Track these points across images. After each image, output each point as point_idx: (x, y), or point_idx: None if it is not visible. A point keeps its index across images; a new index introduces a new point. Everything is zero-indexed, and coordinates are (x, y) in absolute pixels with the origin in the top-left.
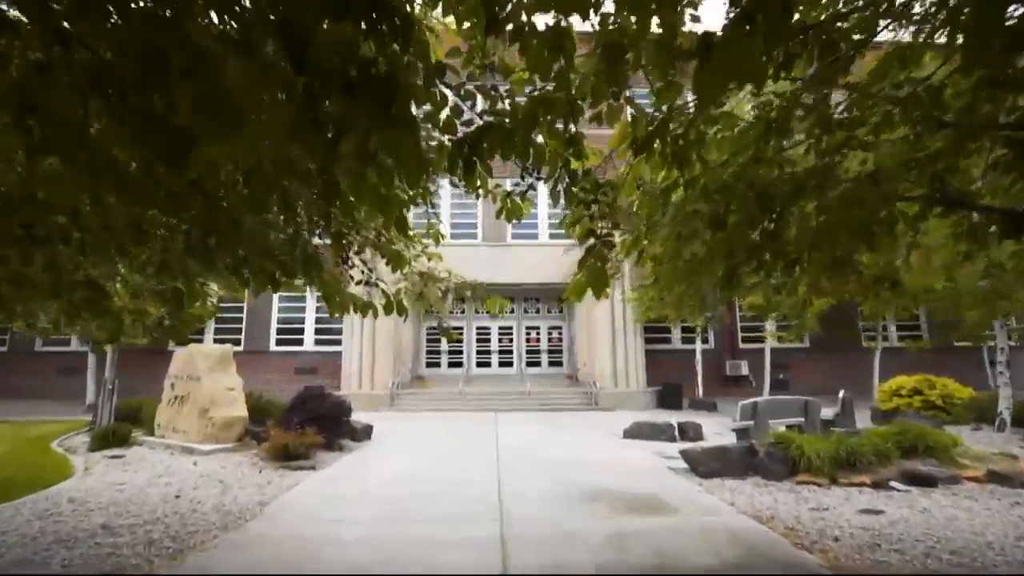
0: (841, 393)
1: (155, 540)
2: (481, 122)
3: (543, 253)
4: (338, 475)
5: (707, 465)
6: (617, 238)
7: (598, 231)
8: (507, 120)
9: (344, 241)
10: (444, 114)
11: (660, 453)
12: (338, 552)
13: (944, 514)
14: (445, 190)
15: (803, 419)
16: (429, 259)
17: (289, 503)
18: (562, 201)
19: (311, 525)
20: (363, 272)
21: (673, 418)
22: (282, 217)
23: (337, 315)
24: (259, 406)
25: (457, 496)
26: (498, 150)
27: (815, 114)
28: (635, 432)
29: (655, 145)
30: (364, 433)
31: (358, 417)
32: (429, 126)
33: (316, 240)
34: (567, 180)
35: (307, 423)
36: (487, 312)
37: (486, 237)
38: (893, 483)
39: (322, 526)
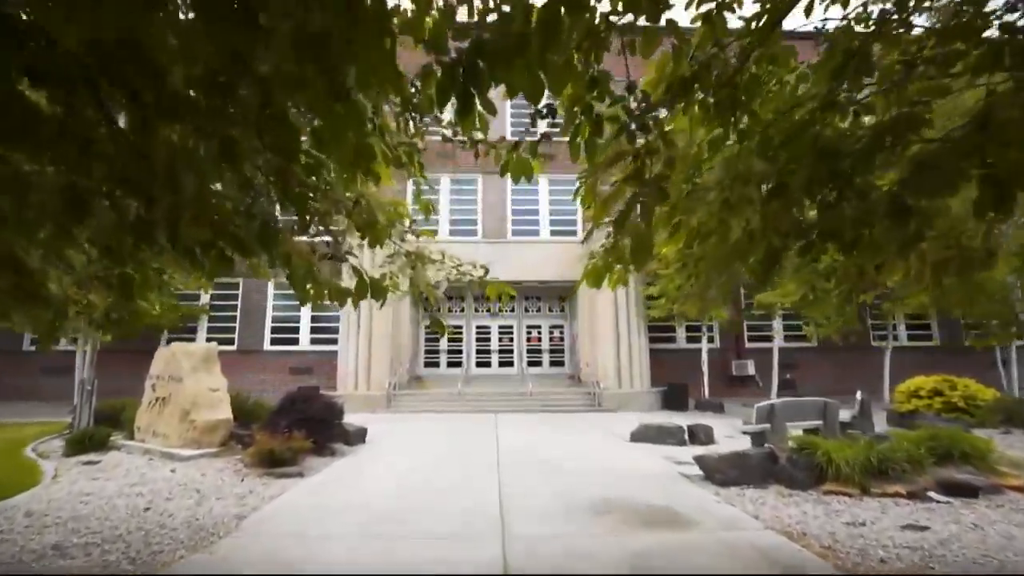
0: (858, 394)
1: (111, 563)
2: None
3: (544, 250)
4: (326, 484)
5: (724, 473)
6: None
7: (646, 170)
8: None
9: (308, 208)
10: (430, 20)
11: (670, 458)
12: None
13: (998, 531)
14: (444, 186)
15: (821, 422)
16: (418, 235)
17: (269, 516)
18: (583, 155)
19: (290, 543)
20: (329, 245)
21: (678, 419)
22: (230, 178)
23: (308, 305)
24: (246, 408)
25: (454, 508)
26: (502, 74)
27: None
28: (642, 435)
29: (696, 91)
30: (358, 436)
31: (353, 419)
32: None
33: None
34: (590, 127)
35: (295, 426)
36: (487, 299)
37: (486, 234)
38: (931, 493)
39: (302, 543)
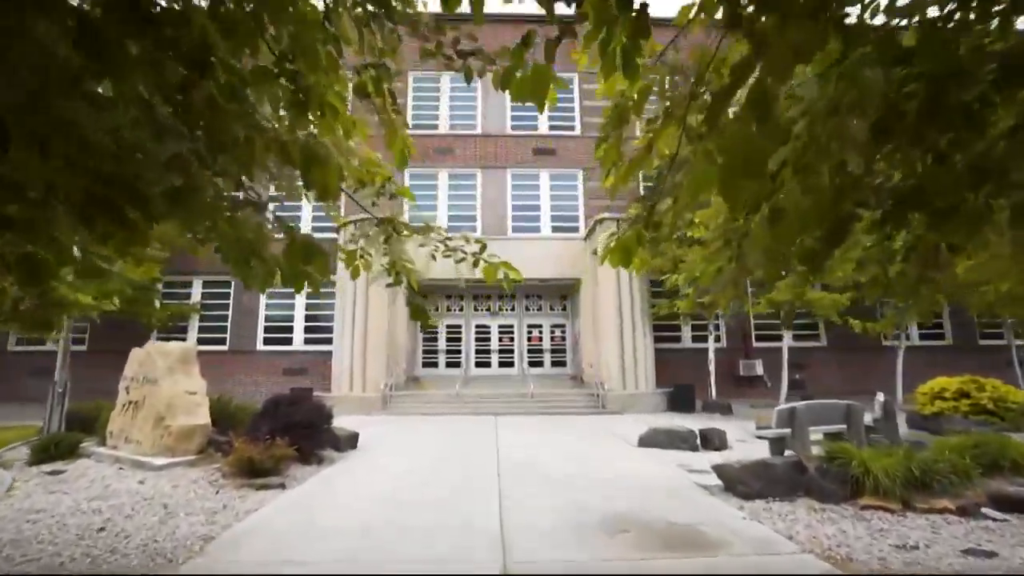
0: (879, 396)
1: None
2: None
3: (545, 247)
4: (308, 497)
5: (747, 484)
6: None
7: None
8: None
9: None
10: None
11: (684, 465)
12: None
13: None
14: (441, 181)
15: (845, 426)
16: (383, 189)
17: (239, 537)
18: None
19: (260, 571)
20: (245, 187)
21: (686, 422)
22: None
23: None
24: (228, 412)
25: (450, 525)
26: None
27: None
28: (651, 440)
29: None
30: (348, 442)
31: (347, 422)
32: None
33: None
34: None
35: (279, 432)
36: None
37: (485, 230)
38: (985, 510)
39: (273, 571)
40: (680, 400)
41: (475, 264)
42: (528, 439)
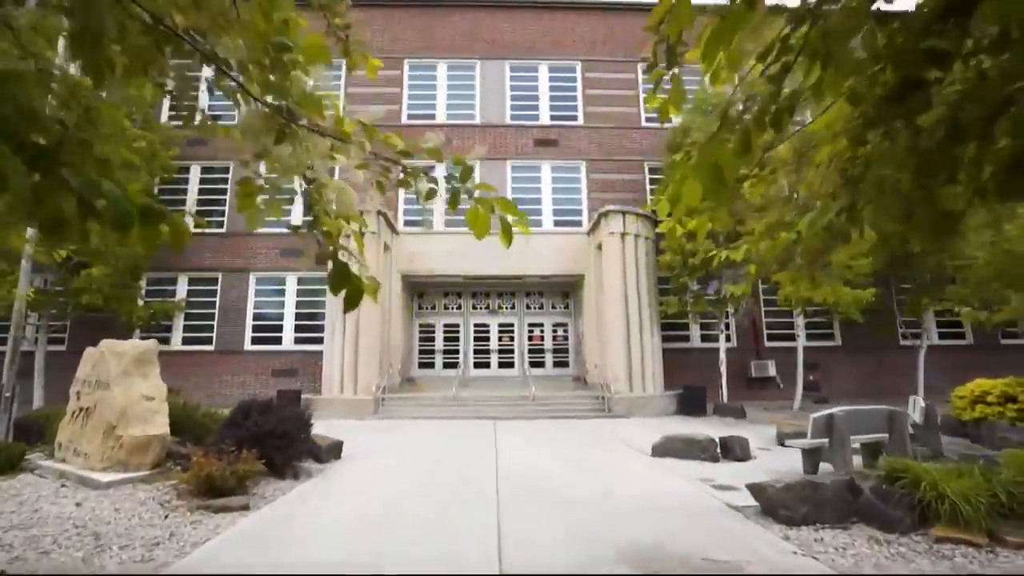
0: (919, 401)
1: None
2: None
3: (547, 242)
4: (272, 523)
5: (792, 508)
6: None
7: None
8: None
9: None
10: None
11: (706, 480)
12: None
13: None
14: (438, 172)
15: (887, 435)
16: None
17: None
18: None
19: None
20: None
21: (697, 427)
22: None
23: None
24: (194, 420)
25: (437, 563)
26: None
27: None
28: (667, 449)
29: None
30: (331, 452)
31: (337, 426)
32: None
33: None
34: None
35: (249, 443)
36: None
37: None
38: None
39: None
40: (690, 403)
41: (453, 203)
42: (530, 448)
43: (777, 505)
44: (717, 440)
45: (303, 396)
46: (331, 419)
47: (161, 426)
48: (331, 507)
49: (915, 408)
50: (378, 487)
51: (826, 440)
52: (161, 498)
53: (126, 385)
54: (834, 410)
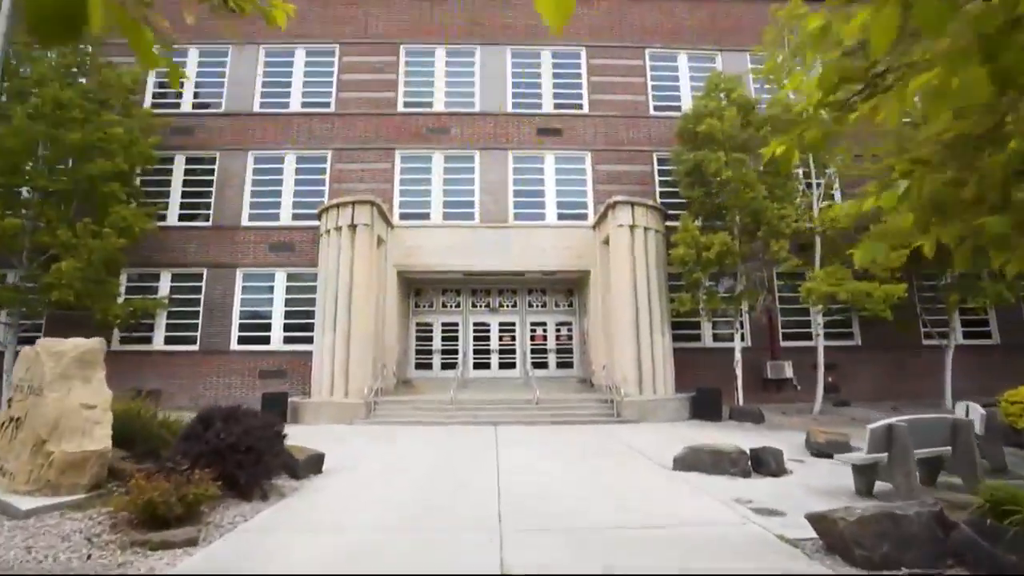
0: (976, 408)
1: None
2: None
3: (551, 236)
4: (224, 563)
5: (869, 546)
6: None
7: None
8: None
9: None
10: None
11: (744, 501)
12: None
13: None
14: (436, 163)
15: (949, 448)
16: None
17: None
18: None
19: None
20: None
21: (714, 433)
22: None
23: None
24: (150, 430)
25: None
26: None
27: None
28: (691, 462)
29: None
30: (310, 466)
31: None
32: None
33: None
34: None
35: (207, 459)
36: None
37: (484, 217)
38: None
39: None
40: (704, 406)
41: None
42: (536, 460)
43: (850, 543)
44: (748, 452)
45: (290, 399)
46: (319, 423)
47: (101, 440)
48: (297, 542)
49: (973, 416)
50: (359, 512)
51: (884, 455)
52: (91, 531)
53: (63, 391)
54: (893, 420)
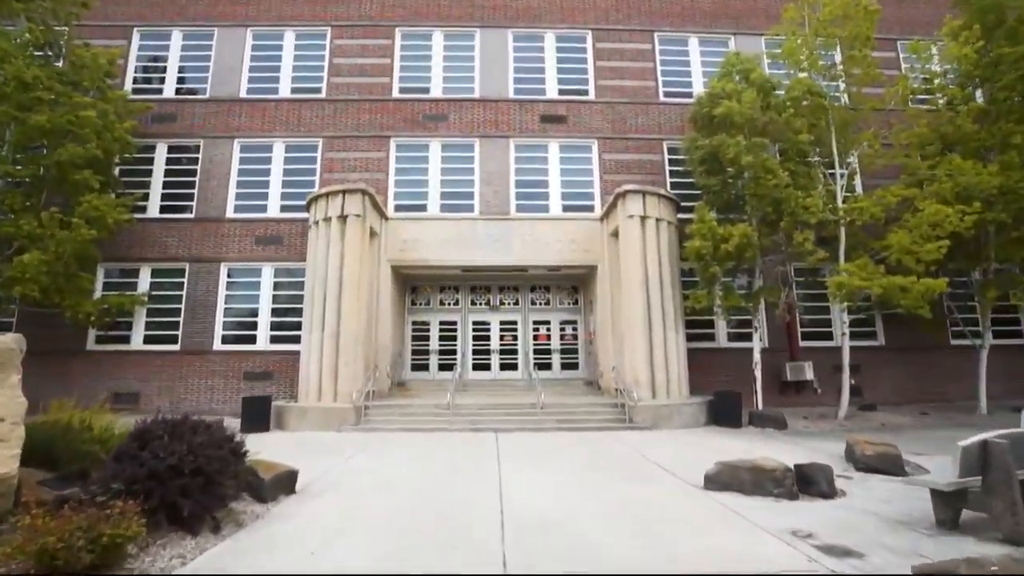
0: None
1: None
2: None
3: (555, 228)
4: None
5: None
6: None
7: None
8: None
9: None
10: None
11: (802, 534)
12: None
13: None
14: (433, 152)
15: None
16: None
17: None
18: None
19: None
20: None
21: (735, 441)
22: None
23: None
24: (76, 447)
25: None
26: None
27: None
28: (725, 480)
29: None
30: (280, 485)
31: (308, 441)
32: None
33: None
34: None
35: (147, 484)
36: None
37: (485, 209)
38: None
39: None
40: (722, 412)
41: None
42: (543, 476)
43: None
44: (792, 469)
45: (274, 403)
46: (304, 430)
47: (6, 462)
48: None
49: None
50: (330, 550)
51: (978, 479)
52: None
53: None
54: (990, 435)
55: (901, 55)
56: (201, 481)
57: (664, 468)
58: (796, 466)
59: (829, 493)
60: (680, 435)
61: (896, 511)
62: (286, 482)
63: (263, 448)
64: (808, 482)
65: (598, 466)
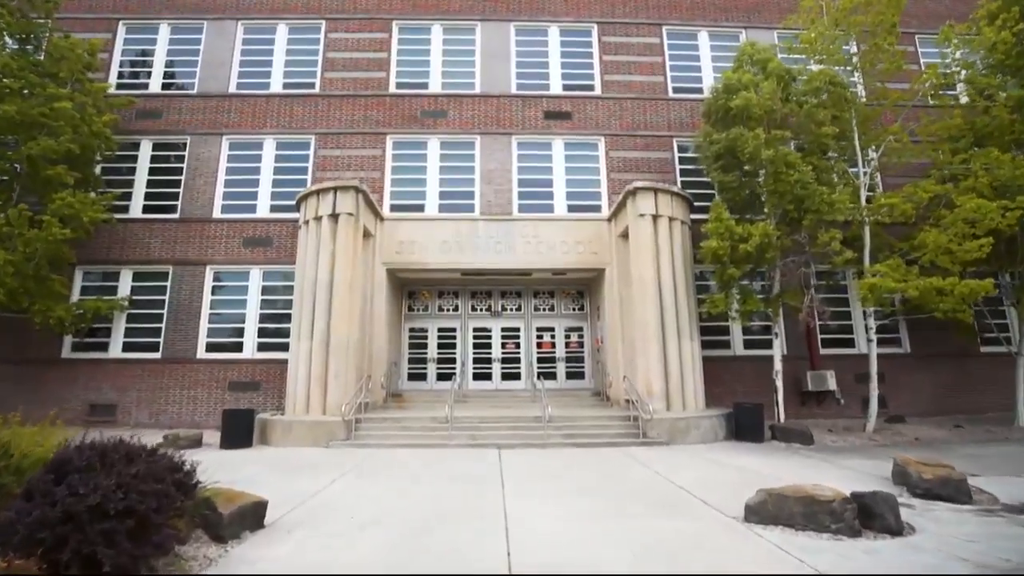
0: None
1: None
2: None
3: (560, 230)
4: None
5: None
6: None
7: None
8: None
9: None
10: None
11: None
12: None
13: None
14: (433, 145)
15: None
16: None
17: None
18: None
19: None
20: None
21: (760, 458)
22: None
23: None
24: None
25: None
26: None
27: None
28: (770, 511)
29: None
30: (243, 520)
31: (289, 460)
32: None
33: None
34: None
35: (62, 529)
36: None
37: (485, 209)
38: None
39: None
40: (744, 425)
41: None
42: (556, 506)
43: None
44: (851, 500)
45: (258, 416)
46: (289, 446)
47: None
48: None
49: None
50: None
51: None
52: None
53: None
54: None
55: (920, 49)
56: (132, 524)
57: (693, 494)
58: (854, 495)
59: (896, 529)
60: (700, 452)
61: (995, 553)
62: (251, 516)
63: (239, 468)
64: (869, 514)
65: (617, 492)
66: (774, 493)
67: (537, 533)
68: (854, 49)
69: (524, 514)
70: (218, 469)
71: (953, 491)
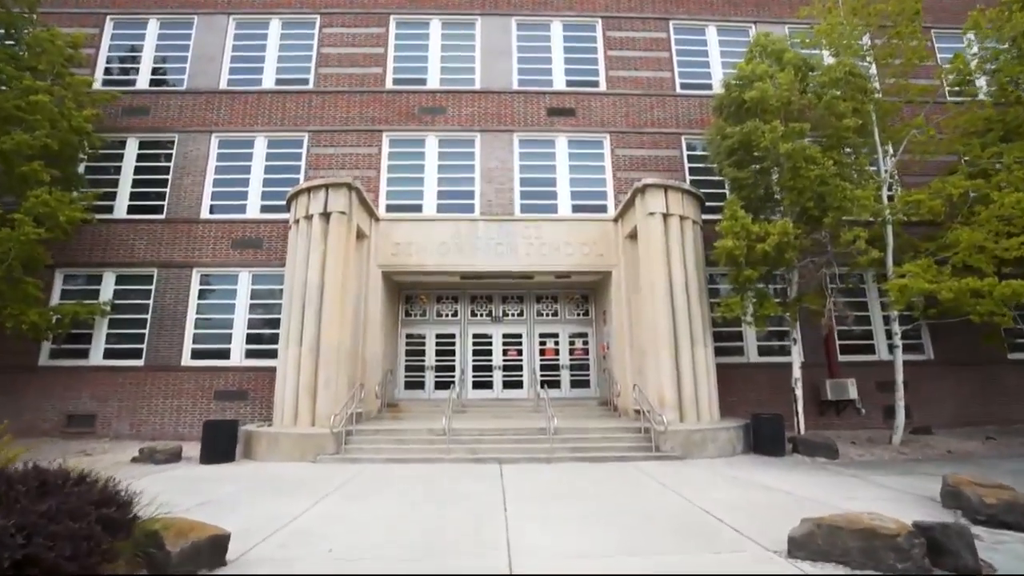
0: None
1: None
2: None
3: (564, 231)
4: None
5: None
6: None
7: None
8: None
9: None
10: None
11: None
12: None
13: None
14: (431, 143)
15: None
16: None
17: None
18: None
19: None
20: None
21: (786, 475)
22: None
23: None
24: None
25: None
26: None
27: None
28: (820, 546)
29: None
30: (197, 559)
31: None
32: None
33: None
34: None
35: None
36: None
37: (486, 209)
38: None
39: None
40: (763, 437)
41: None
42: (567, 537)
43: None
44: (917, 533)
45: (242, 428)
46: (273, 460)
47: None
48: None
49: None
50: None
51: None
52: None
53: None
54: None
55: (937, 44)
56: (39, 573)
57: (722, 521)
58: (920, 527)
59: (975, 569)
60: (719, 467)
61: None
62: (209, 552)
63: (214, 486)
64: (939, 551)
65: (634, 518)
66: (824, 524)
67: (542, 551)
68: (868, 44)
69: (531, 545)
70: (188, 489)
71: (1020, 518)
